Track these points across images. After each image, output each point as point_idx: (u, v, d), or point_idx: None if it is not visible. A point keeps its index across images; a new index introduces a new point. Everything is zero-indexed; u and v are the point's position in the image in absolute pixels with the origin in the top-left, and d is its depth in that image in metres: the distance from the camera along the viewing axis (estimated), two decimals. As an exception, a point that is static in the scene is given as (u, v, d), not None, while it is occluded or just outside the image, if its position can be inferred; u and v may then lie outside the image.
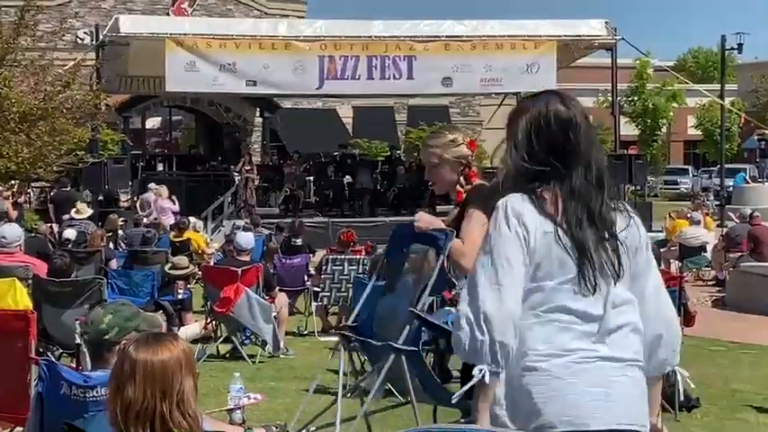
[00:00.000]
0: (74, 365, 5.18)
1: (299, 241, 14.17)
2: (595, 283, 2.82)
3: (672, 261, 17.22)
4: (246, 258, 10.67)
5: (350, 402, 5.91)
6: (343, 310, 11.26)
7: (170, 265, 12.06)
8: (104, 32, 22.24)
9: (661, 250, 15.63)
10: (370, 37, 22.71)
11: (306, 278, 12.69)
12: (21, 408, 5.36)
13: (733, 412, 7.88)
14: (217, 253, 15.82)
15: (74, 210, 17.93)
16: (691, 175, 46.41)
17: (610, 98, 26.03)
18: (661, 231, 20.14)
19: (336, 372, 6.57)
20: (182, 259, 12.24)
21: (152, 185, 21.65)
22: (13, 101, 19.53)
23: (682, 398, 7.48)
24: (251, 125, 34.87)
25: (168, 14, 32.22)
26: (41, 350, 7.35)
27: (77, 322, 5.20)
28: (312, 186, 25.42)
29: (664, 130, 47.75)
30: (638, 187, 29.39)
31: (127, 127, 31.01)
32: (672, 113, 46.43)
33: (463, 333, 2.75)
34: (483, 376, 2.72)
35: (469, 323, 2.74)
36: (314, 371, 6.80)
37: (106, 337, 3.76)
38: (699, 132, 49.70)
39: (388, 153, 29.21)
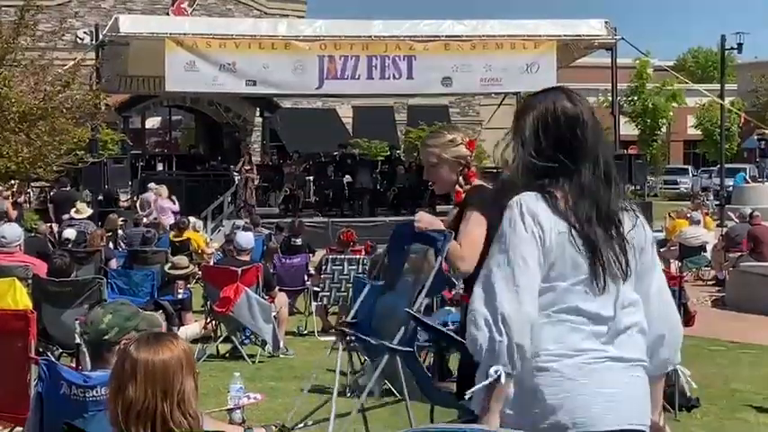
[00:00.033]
0: (74, 365, 5.18)
1: (298, 241, 14.17)
2: (605, 283, 2.82)
3: (672, 261, 17.22)
4: (246, 258, 10.67)
5: (348, 400, 5.91)
6: (342, 310, 11.25)
7: (170, 264, 12.06)
8: (104, 32, 22.25)
9: (661, 250, 15.63)
10: (370, 37, 22.71)
11: (306, 278, 12.69)
12: (20, 407, 5.35)
13: (733, 412, 7.88)
14: (216, 253, 15.81)
15: (73, 209, 17.92)
16: (690, 174, 46.41)
17: (609, 98, 26.04)
18: (661, 231, 20.12)
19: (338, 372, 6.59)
20: (181, 259, 12.24)
21: (152, 185, 21.65)
22: (13, 100, 19.54)
23: (688, 393, 7.53)
24: (251, 125, 34.87)
25: (168, 14, 32.23)
26: (41, 350, 7.35)
27: (77, 322, 5.20)
28: (312, 186, 25.41)
29: (663, 129, 47.75)
30: (638, 187, 29.42)
31: (127, 127, 31.02)
32: (672, 113, 46.43)
33: (481, 333, 2.74)
34: (499, 377, 2.71)
35: (487, 323, 2.73)
36: (314, 371, 6.79)
37: (106, 337, 3.76)
38: (699, 132, 49.70)
39: (388, 153, 29.21)
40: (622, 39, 24.32)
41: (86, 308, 7.74)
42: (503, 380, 2.71)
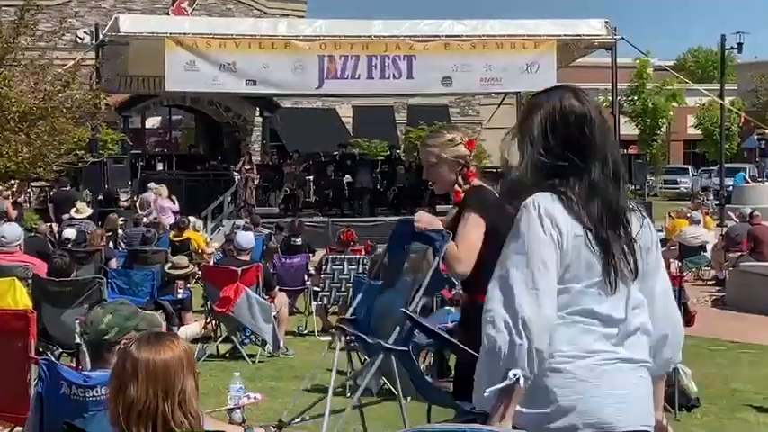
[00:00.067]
0: (74, 365, 5.18)
1: (298, 241, 14.17)
2: (616, 284, 2.84)
3: (672, 261, 17.22)
4: (246, 258, 10.67)
5: (347, 399, 5.91)
6: (342, 310, 11.25)
7: (169, 264, 12.06)
8: (104, 32, 22.25)
9: (661, 250, 15.62)
10: (370, 36, 22.70)
11: (306, 278, 12.69)
12: (20, 407, 5.36)
13: (733, 412, 7.88)
14: (216, 252, 15.81)
15: (73, 209, 17.92)
16: (690, 174, 46.40)
17: (609, 98, 26.02)
18: (661, 231, 20.10)
19: (336, 371, 6.58)
20: (181, 259, 12.24)
21: (152, 185, 21.65)
22: (13, 100, 19.54)
23: (692, 396, 7.54)
24: (251, 125, 34.87)
25: (168, 14, 32.23)
26: (41, 350, 7.36)
27: (77, 322, 5.20)
28: (312, 186, 25.41)
29: (663, 129, 47.75)
30: (638, 187, 29.38)
31: (127, 126, 31.02)
32: (671, 113, 46.44)
33: (500, 335, 2.72)
34: (517, 380, 2.71)
35: (507, 326, 2.71)
36: (314, 370, 6.79)
37: (106, 337, 3.76)
38: (698, 132, 49.70)
39: (388, 153, 29.21)
40: (622, 38, 24.32)
41: (86, 308, 7.74)
42: (521, 383, 2.71)
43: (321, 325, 11.66)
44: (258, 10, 34.88)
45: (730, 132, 43.66)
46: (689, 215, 19.10)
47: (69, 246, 13.13)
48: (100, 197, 22.02)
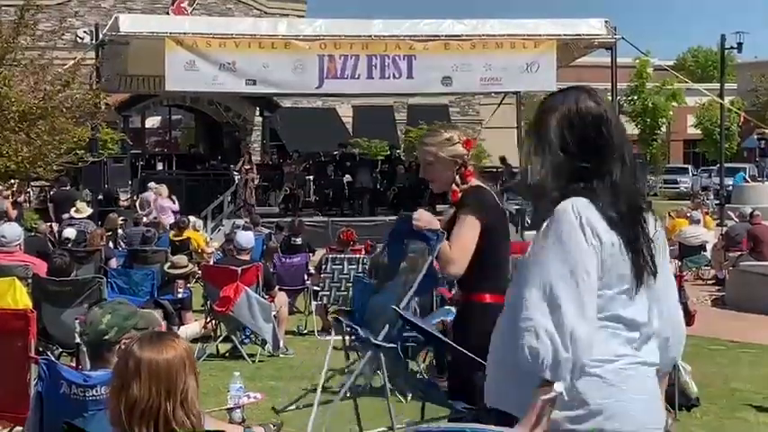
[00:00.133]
0: (73, 365, 5.18)
1: (298, 240, 14.18)
2: (640, 288, 2.86)
3: (671, 260, 17.21)
4: (246, 257, 10.67)
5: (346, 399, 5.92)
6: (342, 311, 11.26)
7: (169, 264, 12.06)
8: (104, 31, 22.22)
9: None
10: (370, 36, 22.69)
11: (305, 277, 12.69)
12: (20, 407, 5.36)
13: (732, 411, 7.88)
14: (216, 252, 15.81)
15: (73, 209, 17.92)
16: (690, 174, 46.40)
17: (609, 97, 26.01)
18: (661, 230, 20.10)
19: (336, 371, 6.59)
20: (181, 258, 12.24)
21: (152, 184, 21.65)
22: (13, 100, 19.54)
23: (692, 395, 7.54)
24: (251, 124, 34.88)
25: (168, 14, 32.24)
26: (41, 349, 7.36)
27: (77, 321, 5.20)
28: (312, 185, 25.42)
29: (663, 129, 47.77)
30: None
31: (126, 126, 31.02)
32: (671, 112, 46.46)
33: (543, 346, 2.70)
34: (562, 393, 2.71)
35: (551, 337, 2.70)
36: (314, 370, 6.80)
37: (106, 337, 3.76)
38: (698, 131, 49.72)
39: (388, 152, 29.22)
40: (622, 38, 24.30)
41: (86, 307, 7.74)
42: (565, 397, 2.72)
43: (321, 325, 11.66)
44: (258, 9, 34.89)
45: (730, 132, 43.67)
46: (689, 215, 19.11)
47: (69, 245, 13.13)
48: (100, 197, 22.01)
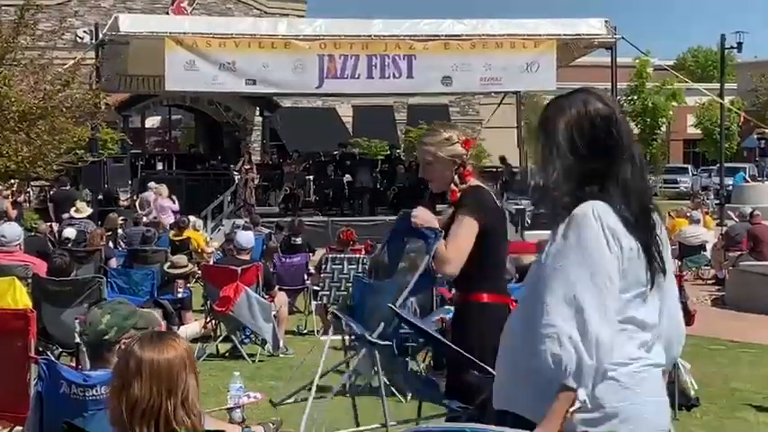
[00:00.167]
0: (73, 364, 5.18)
1: (298, 240, 14.18)
2: (653, 288, 2.88)
3: (671, 260, 17.21)
4: (246, 257, 10.67)
5: (345, 398, 5.92)
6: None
7: (169, 264, 12.06)
8: (104, 31, 22.24)
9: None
10: (370, 36, 22.69)
11: (305, 277, 12.69)
12: (20, 407, 5.36)
13: (732, 411, 7.88)
14: (216, 252, 15.81)
15: (73, 209, 17.92)
16: (690, 173, 46.39)
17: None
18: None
19: (335, 370, 6.59)
20: (180, 258, 12.24)
21: (152, 184, 21.65)
22: (13, 100, 19.54)
23: (691, 392, 7.54)
24: (251, 124, 34.88)
25: (168, 13, 32.23)
26: (41, 349, 7.35)
27: (77, 321, 5.20)
28: (312, 185, 25.42)
29: (663, 128, 47.76)
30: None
31: (126, 126, 31.02)
32: (671, 112, 46.44)
33: (566, 353, 2.69)
34: (585, 401, 2.72)
35: (575, 345, 2.69)
36: (313, 370, 6.79)
37: (105, 337, 3.76)
38: (698, 131, 49.72)
39: (388, 152, 29.22)
40: (622, 38, 24.32)
41: (86, 307, 7.74)
42: (588, 404, 2.73)
43: (321, 324, 11.66)
44: (258, 9, 34.89)
45: (730, 132, 43.67)
46: (689, 214, 19.11)
47: (69, 245, 13.13)
48: (100, 196, 22.01)
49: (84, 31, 30.92)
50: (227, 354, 10.28)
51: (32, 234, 14.85)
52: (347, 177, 24.76)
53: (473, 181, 4.60)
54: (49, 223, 18.52)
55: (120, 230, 17.08)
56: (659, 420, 2.88)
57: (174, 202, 21.01)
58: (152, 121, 41.48)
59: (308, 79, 22.50)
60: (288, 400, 6.15)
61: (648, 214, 2.90)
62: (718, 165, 34.73)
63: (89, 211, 18.22)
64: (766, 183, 28.06)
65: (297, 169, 25.40)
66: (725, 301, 14.26)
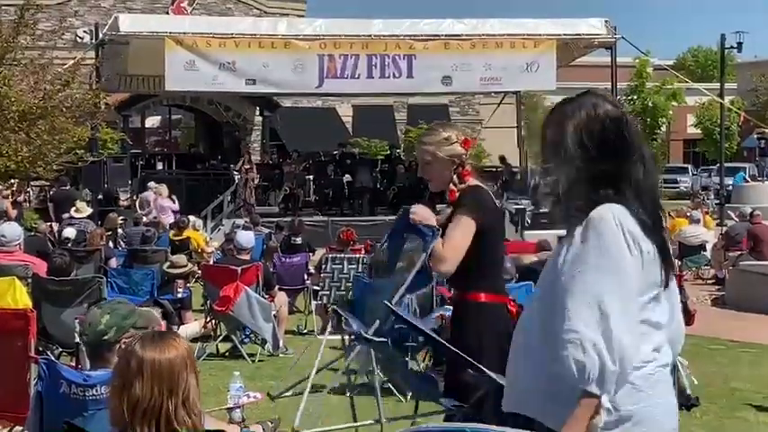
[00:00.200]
0: (73, 364, 5.18)
1: (298, 240, 14.18)
2: (666, 289, 2.89)
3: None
4: (246, 257, 10.67)
5: (343, 397, 5.92)
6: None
7: (168, 263, 12.07)
8: (104, 31, 22.24)
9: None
10: (370, 36, 22.69)
11: (305, 277, 12.69)
12: (20, 407, 5.36)
13: (732, 411, 7.88)
14: (216, 252, 15.81)
15: (73, 208, 17.92)
16: (690, 173, 46.39)
17: (609, 97, 25.97)
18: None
19: (336, 371, 6.59)
20: (180, 258, 12.25)
21: (152, 184, 21.65)
22: (13, 99, 19.54)
23: (688, 390, 7.54)
24: (251, 124, 34.88)
25: (168, 13, 32.23)
26: (41, 349, 7.35)
27: (77, 321, 5.20)
28: (312, 185, 25.42)
29: (663, 128, 47.75)
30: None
31: (126, 126, 31.01)
32: (671, 112, 46.44)
33: (590, 360, 2.68)
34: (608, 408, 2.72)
35: (598, 351, 2.68)
36: (310, 369, 6.79)
37: (105, 337, 3.76)
38: (698, 131, 49.72)
39: (388, 152, 29.22)
40: (622, 38, 24.31)
41: (86, 307, 7.74)
42: (612, 411, 2.73)
43: (321, 324, 11.65)
44: (258, 9, 34.89)
45: (730, 132, 43.67)
46: (689, 214, 19.11)
47: (69, 245, 13.14)
48: (100, 196, 22.01)
49: (84, 31, 30.91)
50: (227, 353, 10.28)
51: (32, 234, 14.86)
52: (347, 177, 24.76)
53: (472, 180, 4.60)
54: (48, 223, 18.52)
55: (120, 230, 17.08)
56: (669, 421, 2.87)
57: (174, 202, 21.01)
58: (152, 121, 41.47)
59: (308, 79, 22.50)
60: (285, 394, 6.16)
61: (661, 215, 2.91)
62: (718, 164, 34.73)
63: (89, 210, 18.22)
64: (766, 183, 28.06)
65: (297, 169, 25.40)
66: (725, 301, 14.26)
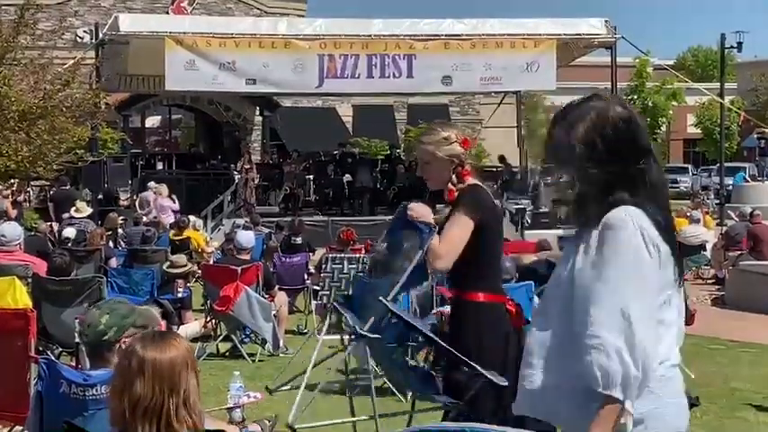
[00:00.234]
0: (73, 364, 5.18)
1: (298, 240, 14.17)
2: (678, 288, 2.89)
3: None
4: (246, 257, 10.67)
5: (343, 397, 5.92)
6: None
7: (168, 263, 12.07)
8: (104, 31, 22.25)
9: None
10: (370, 36, 22.70)
11: (305, 277, 12.69)
12: (20, 407, 5.36)
13: (732, 411, 7.88)
14: (216, 252, 15.82)
15: (73, 208, 17.92)
16: (690, 173, 46.37)
17: (609, 97, 25.97)
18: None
19: (336, 370, 6.59)
20: (180, 257, 12.25)
21: (152, 184, 21.65)
22: (13, 99, 19.54)
23: (690, 375, 7.54)
24: (251, 124, 34.88)
25: (168, 13, 32.23)
26: (41, 349, 7.35)
27: (77, 321, 5.20)
28: (312, 185, 25.43)
29: (663, 128, 47.74)
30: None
31: (126, 126, 31.02)
32: (671, 112, 46.45)
33: (614, 365, 2.68)
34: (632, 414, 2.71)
35: (621, 357, 2.68)
36: (313, 369, 6.79)
37: (105, 337, 3.76)
38: (698, 131, 49.73)
39: (388, 152, 29.23)
40: (622, 37, 24.31)
41: (86, 306, 7.74)
42: (635, 416, 2.73)
43: (321, 324, 11.65)
44: (258, 9, 34.88)
45: (730, 131, 43.67)
46: (689, 214, 19.10)
47: (69, 245, 13.14)
48: (100, 196, 22.02)
49: (84, 31, 30.91)
50: (227, 353, 10.28)
51: (32, 234, 14.86)
52: (347, 177, 24.76)
53: (471, 180, 4.60)
54: (49, 223, 18.53)
55: (120, 230, 17.09)
56: (679, 422, 2.86)
57: (174, 202, 21.01)
58: (152, 121, 41.46)
59: (308, 79, 22.51)
60: (283, 388, 6.16)
61: (670, 213, 2.91)
62: (718, 164, 34.73)
63: (89, 210, 18.23)
64: (766, 182, 28.06)
65: (297, 169, 25.40)
66: (725, 301, 14.26)
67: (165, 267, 11.88)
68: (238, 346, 10.13)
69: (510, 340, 4.45)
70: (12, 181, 22.17)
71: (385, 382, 7.33)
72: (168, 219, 19.37)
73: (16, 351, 5.81)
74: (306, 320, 12.01)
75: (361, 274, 10.65)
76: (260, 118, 34.00)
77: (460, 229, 4.40)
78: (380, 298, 4.60)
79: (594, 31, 23.79)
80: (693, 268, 17.04)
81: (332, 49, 22.47)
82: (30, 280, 8.71)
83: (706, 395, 7.89)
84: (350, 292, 5.43)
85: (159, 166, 30.46)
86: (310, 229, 18.12)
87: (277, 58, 22.15)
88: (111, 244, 14.90)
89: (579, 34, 23.81)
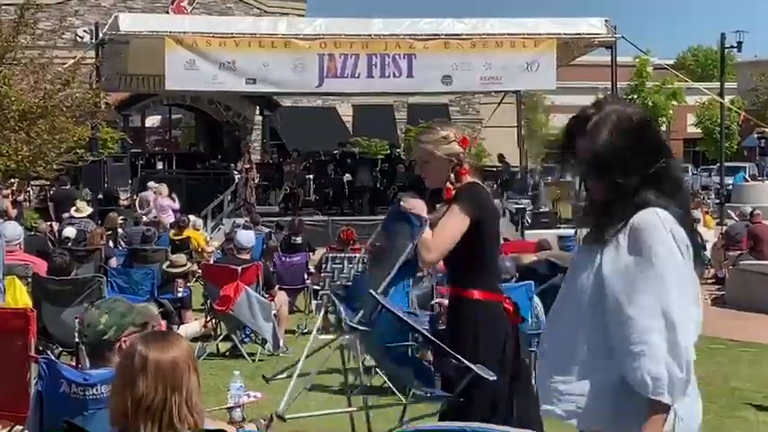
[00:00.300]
0: (73, 364, 5.18)
1: (298, 239, 14.18)
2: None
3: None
4: (246, 257, 10.68)
5: (342, 397, 5.93)
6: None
7: (168, 263, 12.07)
8: (104, 31, 22.25)
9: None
10: (370, 35, 22.70)
11: (306, 276, 12.70)
12: (20, 406, 5.36)
13: (732, 410, 7.88)
14: (216, 251, 15.81)
15: (73, 208, 17.92)
16: (690, 173, 46.30)
17: (609, 96, 25.97)
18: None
19: (336, 370, 6.59)
20: (179, 257, 12.26)
21: (152, 184, 21.65)
22: (13, 99, 19.54)
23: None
24: (251, 123, 34.88)
25: (168, 13, 32.23)
26: (41, 348, 7.35)
27: (77, 320, 5.20)
28: (312, 184, 25.43)
29: (663, 128, 47.65)
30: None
31: (126, 125, 31.01)
32: (671, 112, 46.40)
33: (661, 370, 2.69)
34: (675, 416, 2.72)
35: (666, 360, 2.69)
36: (313, 369, 6.80)
37: (105, 337, 3.76)
38: (698, 130, 49.69)
39: (388, 151, 29.22)
40: (622, 37, 24.31)
41: (86, 306, 7.73)
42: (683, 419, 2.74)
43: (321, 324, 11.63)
44: (258, 9, 34.87)
45: (730, 131, 43.64)
46: (689, 214, 19.09)
47: (69, 244, 13.14)
48: (100, 196, 22.02)
49: (85, 31, 30.92)
50: (227, 353, 10.28)
51: (32, 233, 14.86)
52: (347, 177, 24.76)
53: (469, 179, 4.60)
54: (49, 222, 18.53)
55: (120, 230, 17.09)
56: (700, 416, 2.90)
57: (174, 202, 21.01)
58: (152, 121, 41.46)
59: (308, 78, 22.51)
60: (281, 375, 6.16)
61: (690, 208, 2.93)
62: (718, 164, 34.74)
63: (89, 210, 18.23)
64: (766, 182, 28.06)
65: (297, 168, 25.40)
66: (725, 301, 14.26)
67: (165, 267, 11.88)
68: (238, 345, 10.13)
69: (507, 339, 4.46)
70: (12, 181, 22.17)
71: (385, 382, 7.33)
72: (168, 218, 19.37)
73: (16, 351, 5.81)
74: (306, 320, 12.00)
75: (360, 273, 10.67)
76: (260, 117, 34.00)
77: (454, 224, 4.40)
78: (370, 291, 4.59)
79: (594, 30, 23.78)
80: (693, 268, 17.04)
81: (332, 48, 22.47)
82: (30, 279, 8.71)
83: (706, 394, 7.78)
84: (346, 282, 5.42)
85: (159, 165, 30.48)
86: (310, 228, 18.12)
87: (277, 57, 22.14)
88: (111, 244, 14.91)
89: (579, 34, 23.81)
